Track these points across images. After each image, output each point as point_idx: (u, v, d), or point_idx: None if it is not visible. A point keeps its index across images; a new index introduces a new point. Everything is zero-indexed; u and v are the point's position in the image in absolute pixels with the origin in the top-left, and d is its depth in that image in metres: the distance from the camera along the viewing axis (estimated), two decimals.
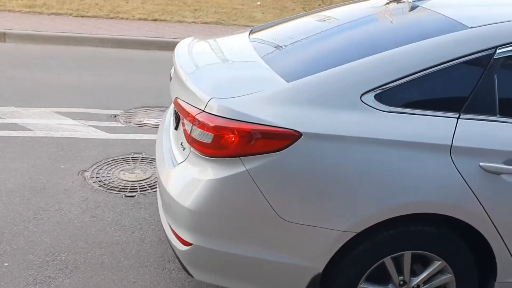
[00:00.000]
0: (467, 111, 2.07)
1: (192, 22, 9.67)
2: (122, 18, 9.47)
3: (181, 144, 2.32)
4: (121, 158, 4.07)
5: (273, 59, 2.42)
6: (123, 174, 3.82)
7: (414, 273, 2.23)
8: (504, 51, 2.09)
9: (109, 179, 3.73)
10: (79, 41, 7.94)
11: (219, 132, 1.99)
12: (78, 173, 3.78)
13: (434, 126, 2.04)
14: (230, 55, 2.66)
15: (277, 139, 1.96)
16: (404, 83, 2.05)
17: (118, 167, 3.93)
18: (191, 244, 2.14)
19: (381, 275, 2.20)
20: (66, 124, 4.65)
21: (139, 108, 5.22)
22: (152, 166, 3.97)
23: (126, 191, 3.58)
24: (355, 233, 2.04)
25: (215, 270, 2.19)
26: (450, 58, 2.07)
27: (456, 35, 2.13)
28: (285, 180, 1.99)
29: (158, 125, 4.75)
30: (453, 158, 2.02)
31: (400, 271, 2.20)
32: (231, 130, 1.97)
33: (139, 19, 9.51)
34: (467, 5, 2.59)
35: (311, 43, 2.60)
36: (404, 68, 2.06)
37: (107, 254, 2.89)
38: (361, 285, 2.18)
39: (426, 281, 2.24)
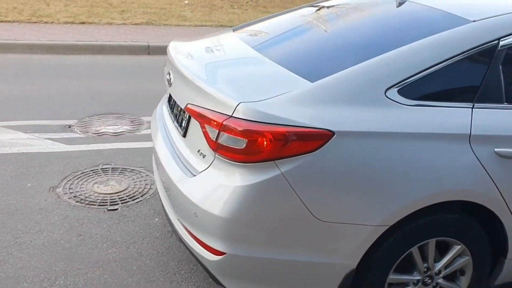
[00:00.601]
0: (479, 101, 2.18)
1: (122, 24, 9.34)
2: (46, 22, 8.93)
3: (198, 151, 2.23)
4: (91, 171, 3.85)
5: (281, 58, 2.40)
6: (98, 187, 3.62)
7: (436, 259, 2.32)
8: (507, 42, 2.22)
9: (84, 193, 3.52)
10: (5, 48, 7.39)
11: (252, 137, 1.95)
12: (49, 190, 3.53)
13: (453, 116, 2.13)
14: (234, 57, 2.61)
15: (311, 140, 1.96)
16: (422, 77, 2.12)
17: (90, 180, 3.72)
18: (223, 254, 2.07)
19: (407, 265, 2.26)
20: (19, 138, 4.32)
21: (92, 116, 4.97)
22: (126, 176, 3.80)
23: (107, 205, 3.40)
24: (388, 227, 2.08)
25: (249, 277, 2.14)
26: (460, 52, 2.17)
27: (462, 29, 2.23)
28: (319, 180, 1.99)
29: (119, 133, 4.60)
30: (472, 146, 2.12)
31: (424, 259, 2.27)
32: (265, 134, 1.94)
33: (65, 22, 9.02)
34: (458, 1, 2.71)
35: (317, 40, 2.62)
36: (420, 62, 2.13)
37: (107, 273, 2.73)
38: (390, 277, 2.23)
39: (447, 265, 2.33)
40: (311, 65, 2.30)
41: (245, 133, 1.96)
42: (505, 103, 2.22)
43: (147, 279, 2.71)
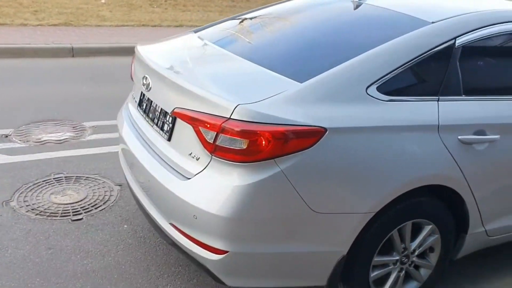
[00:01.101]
0: (442, 94, 2.42)
1: (38, 25, 8.86)
2: None
3: (190, 154, 2.27)
4: (43, 181, 3.69)
5: (260, 59, 2.49)
6: (55, 197, 3.49)
7: (411, 240, 2.54)
8: (462, 41, 2.48)
9: (43, 205, 3.38)
10: None
11: (253, 137, 2.03)
12: (2, 205, 3.35)
13: (423, 109, 2.35)
14: (213, 59, 2.66)
15: (307, 137, 2.08)
16: (395, 75, 2.31)
17: (45, 191, 3.57)
18: (226, 252, 2.14)
19: (387, 247, 2.46)
20: None
21: (29, 124, 4.73)
22: (82, 185, 3.69)
23: (70, 215, 3.30)
24: (374, 213, 2.26)
25: (251, 273, 2.22)
26: (424, 51, 2.39)
27: (424, 30, 2.45)
28: (314, 174, 2.12)
29: (62, 141, 4.43)
30: (440, 135, 2.36)
31: (402, 240, 2.48)
32: (265, 134, 2.02)
33: None
34: (410, 3, 2.94)
35: (290, 41, 2.74)
36: (392, 62, 2.32)
37: (89, 284, 2.67)
38: (374, 259, 2.42)
39: (420, 245, 2.56)
40: (294, 66, 2.42)
41: (246, 134, 2.03)
42: (463, 95, 2.48)
43: (132, 286, 2.69)
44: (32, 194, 3.51)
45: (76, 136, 4.55)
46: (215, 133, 2.09)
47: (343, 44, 2.56)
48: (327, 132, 2.10)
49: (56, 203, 3.42)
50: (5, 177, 3.71)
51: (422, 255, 2.62)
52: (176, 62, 2.61)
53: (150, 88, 2.56)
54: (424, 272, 2.65)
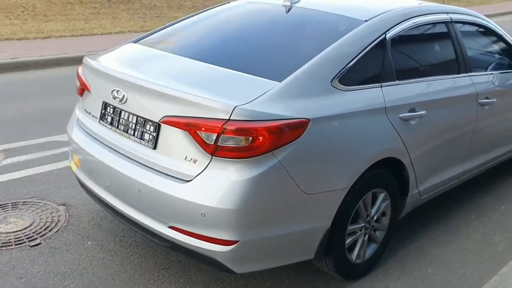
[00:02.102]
0: (383, 81, 2.87)
1: None
2: None
3: (185, 158, 2.40)
4: None
5: (224, 62, 2.71)
6: (0, 226, 3.30)
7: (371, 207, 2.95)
8: (390, 34, 2.95)
9: None
10: None
11: (254, 134, 2.25)
12: None
13: (373, 95, 2.77)
14: (181, 67, 2.78)
15: (296, 129, 2.36)
16: (349, 68, 2.69)
17: None
18: (236, 242, 2.33)
19: (354, 216, 2.84)
20: None
21: None
22: (23, 210, 3.53)
23: (25, 242, 3.16)
24: (348, 188, 2.62)
25: (257, 257, 2.45)
26: (364, 46, 2.81)
27: (361, 28, 2.87)
28: (304, 160, 2.41)
29: None
30: (388, 116, 2.80)
31: (365, 209, 2.89)
32: (264, 129, 2.26)
33: None
34: (334, 4, 3.34)
35: (242, 43, 2.98)
36: (344, 57, 2.70)
37: None
38: (348, 228, 2.78)
39: (377, 210, 2.99)
40: (264, 68, 2.66)
41: (246, 132, 2.25)
42: (397, 80, 2.96)
43: None
44: None
45: None
46: (216, 134, 2.27)
47: (297, 45, 2.88)
48: (310, 123, 2.40)
49: (3, 233, 3.24)
50: None
51: (377, 220, 3.05)
52: (150, 73, 2.70)
53: (126, 100, 2.61)
54: (380, 234, 3.09)
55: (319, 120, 2.44)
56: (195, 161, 2.38)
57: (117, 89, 2.65)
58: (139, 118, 2.60)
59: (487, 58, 4.02)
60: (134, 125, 2.63)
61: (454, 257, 3.26)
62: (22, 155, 4.45)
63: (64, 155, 4.50)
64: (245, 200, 2.28)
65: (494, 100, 3.69)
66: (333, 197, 2.57)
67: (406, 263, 3.15)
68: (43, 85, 7.12)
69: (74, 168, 3.13)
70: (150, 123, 2.54)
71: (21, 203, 3.63)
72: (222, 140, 2.27)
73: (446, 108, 3.26)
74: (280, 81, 2.47)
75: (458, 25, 3.55)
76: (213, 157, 2.32)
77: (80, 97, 3.12)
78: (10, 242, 3.16)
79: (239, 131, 2.25)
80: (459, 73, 3.45)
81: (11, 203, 3.62)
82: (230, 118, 2.25)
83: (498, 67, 3.98)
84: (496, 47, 4.12)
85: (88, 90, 2.93)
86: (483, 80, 3.67)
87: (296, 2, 3.30)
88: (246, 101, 2.31)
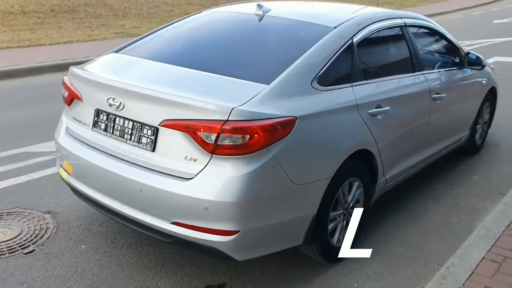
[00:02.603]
0: (353, 81, 3.19)
1: None
2: None
3: (185, 158, 2.60)
4: None
5: (211, 68, 2.95)
6: None
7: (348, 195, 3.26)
8: (357, 39, 3.28)
9: None
10: None
11: (249, 132, 2.49)
12: None
13: (346, 94, 3.08)
14: (171, 74, 2.97)
15: (286, 126, 2.62)
16: (324, 70, 2.98)
17: None
18: (237, 232, 2.56)
19: (334, 204, 3.13)
20: None
21: None
22: (8, 221, 3.58)
23: (18, 250, 3.24)
24: (330, 178, 2.91)
25: (255, 245, 2.68)
26: (335, 50, 3.12)
27: (331, 34, 3.18)
28: (293, 154, 2.68)
29: None
30: (359, 112, 3.12)
31: (343, 196, 3.19)
32: (259, 128, 2.50)
33: None
34: (314, 11, 3.64)
35: (225, 51, 3.21)
36: (320, 60, 3.00)
37: None
38: (330, 215, 3.07)
39: (352, 198, 3.29)
40: (250, 72, 2.90)
41: (244, 131, 2.48)
42: (364, 80, 3.29)
43: None
44: None
45: None
46: (216, 134, 2.49)
47: (277, 50, 3.15)
48: (297, 120, 2.67)
49: None
50: None
51: (353, 206, 3.36)
52: (144, 80, 2.86)
53: (123, 107, 2.78)
54: None
55: (304, 118, 2.72)
56: (195, 160, 2.59)
57: (113, 96, 2.80)
58: (135, 123, 2.78)
59: (436, 57, 4.46)
60: (130, 130, 2.80)
61: (419, 237, 3.62)
62: None
63: (38, 165, 4.55)
64: (245, 193, 2.51)
65: (444, 95, 4.12)
66: (318, 186, 2.85)
67: (378, 245, 3.48)
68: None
69: (64, 175, 3.24)
70: (148, 127, 2.73)
71: (5, 213, 3.68)
72: (221, 139, 2.50)
73: (405, 103, 3.63)
74: (268, 84, 2.73)
75: (411, 29, 3.95)
76: (213, 155, 2.54)
77: (67, 106, 3.23)
78: (3, 251, 3.22)
79: (237, 130, 2.48)
80: (414, 72, 3.84)
81: None
82: (228, 119, 2.48)
83: (445, 65, 4.42)
84: (442, 47, 4.57)
85: (79, 99, 3.06)
86: (433, 77, 4.09)
87: (267, 12, 3.57)
88: (241, 102, 2.55)
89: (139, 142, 2.77)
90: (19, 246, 3.28)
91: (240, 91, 2.71)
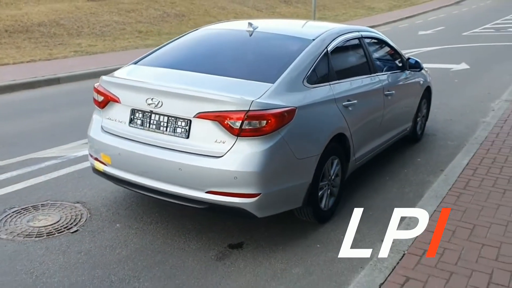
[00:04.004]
0: (330, 80, 4.11)
1: None
2: None
3: (215, 141, 3.40)
4: (4, 216, 4.05)
5: (224, 73, 3.77)
6: (33, 223, 3.97)
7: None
8: (330, 47, 4.22)
9: (31, 230, 3.84)
10: None
11: (267, 118, 3.34)
12: None
13: (326, 90, 4.00)
14: (194, 78, 3.76)
15: (290, 114, 3.49)
16: (310, 72, 3.89)
17: (18, 221, 3.97)
18: (259, 194, 3.39)
19: (322, 176, 4.01)
20: None
21: None
22: (45, 211, 4.19)
23: (64, 231, 3.87)
24: (320, 154, 3.80)
25: (271, 205, 3.52)
26: (316, 57, 4.03)
27: (311, 45, 4.09)
28: (295, 135, 3.55)
29: None
30: (337, 105, 4.05)
31: (328, 170, 4.08)
32: (273, 115, 3.35)
33: None
34: (293, 28, 4.54)
35: (230, 59, 4.05)
36: (306, 65, 3.90)
37: (147, 253, 3.49)
38: (320, 184, 3.95)
39: (334, 172, 4.20)
40: (257, 75, 3.75)
41: (261, 118, 3.32)
42: (337, 80, 4.22)
43: (176, 248, 3.61)
44: (9, 226, 3.89)
45: None
46: (240, 121, 3.31)
47: (273, 58, 4.03)
48: (297, 110, 3.54)
49: (39, 226, 3.91)
50: None
51: (334, 179, 4.26)
52: (176, 84, 3.62)
53: (161, 105, 3.53)
54: (335, 190, 4.30)
55: (300, 108, 3.60)
56: (224, 142, 3.39)
57: (152, 97, 3.56)
58: (170, 118, 3.54)
59: (385, 62, 5.49)
60: (166, 123, 3.57)
61: (383, 204, 4.57)
62: (12, 171, 5.00)
63: (48, 168, 5.13)
64: (264, 164, 3.35)
65: (393, 92, 5.14)
66: (312, 160, 3.73)
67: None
68: None
69: (101, 167, 3.93)
70: (181, 120, 3.50)
71: (39, 205, 4.28)
72: (244, 125, 3.32)
73: (367, 98, 4.60)
74: (273, 83, 3.59)
75: (366, 40, 4.96)
76: (238, 137, 3.36)
77: (100, 108, 3.93)
78: (52, 232, 3.85)
79: (256, 117, 3.32)
80: (371, 74, 4.84)
81: (31, 206, 4.26)
82: (250, 109, 3.32)
83: (392, 68, 5.47)
84: (389, 53, 5.63)
85: (116, 101, 3.78)
86: (385, 78, 5.10)
87: (256, 28, 4.44)
88: (257, 96, 3.40)
89: (174, 132, 3.54)
90: (64, 228, 3.92)
91: (253, 88, 3.55)
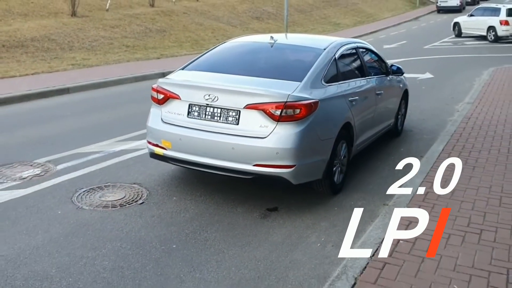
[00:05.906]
0: (338, 81, 5.24)
1: None
2: None
3: (260, 126, 4.44)
4: (80, 193, 4.96)
5: (258, 74, 4.84)
6: (105, 198, 4.87)
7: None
8: (337, 55, 5.35)
9: (106, 203, 4.75)
10: None
11: (299, 107, 4.41)
12: (78, 211, 4.59)
13: (337, 88, 5.12)
14: (237, 78, 4.80)
15: (316, 105, 4.58)
16: (325, 74, 5.00)
17: (92, 197, 4.88)
18: (294, 166, 4.44)
19: (334, 155, 5.10)
20: None
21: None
22: (110, 190, 5.10)
23: (133, 203, 4.80)
24: (335, 137, 4.90)
25: (303, 174, 4.58)
26: (327, 62, 5.15)
27: (324, 53, 5.21)
28: (319, 121, 4.64)
29: (36, 175, 5.59)
30: (345, 99, 5.17)
31: (339, 151, 5.17)
32: (304, 105, 4.43)
33: None
34: (305, 40, 5.66)
35: (261, 64, 5.14)
36: (322, 68, 5.01)
37: (209, 212, 4.47)
38: (334, 161, 5.04)
39: (343, 153, 5.29)
40: (286, 75, 4.82)
41: (296, 107, 4.40)
42: (343, 80, 5.34)
43: (233, 215, 4.60)
44: (87, 200, 4.80)
45: (46, 170, 5.63)
46: (280, 110, 4.38)
47: (296, 63, 5.13)
48: (319, 102, 4.64)
49: (111, 200, 4.83)
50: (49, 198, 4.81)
51: (342, 159, 5.35)
52: (227, 83, 4.66)
53: (217, 99, 4.55)
54: (344, 169, 5.40)
55: (321, 101, 4.69)
56: (267, 127, 4.45)
57: (209, 93, 4.58)
58: (223, 109, 4.57)
59: (374, 68, 6.67)
60: (219, 114, 4.59)
61: (379, 180, 5.69)
62: (62, 163, 5.88)
63: (95, 160, 6.02)
64: (298, 143, 4.42)
65: (382, 92, 6.32)
66: (330, 142, 4.83)
67: (356, 186, 5.49)
68: None
69: (160, 152, 4.89)
70: (232, 111, 4.53)
71: (103, 186, 5.19)
72: (283, 113, 4.38)
73: (364, 95, 5.74)
74: (300, 82, 4.68)
75: (360, 49, 6.13)
76: (278, 123, 4.41)
77: (160, 104, 4.91)
78: (123, 204, 4.78)
79: (292, 107, 4.39)
80: (365, 77, 5.99)
81: (97, 186, 5.17)
82: (287, 100, 4.39)
83: (379, 72, 6.65)
84: (376, 61, 6.82)
85: (176, 98, 4.78)
86: (375, 80, 6.27)
87: (276, 40, 5.53)
88: (291, 91, 4.48)
89: (226, 120, 4.56)
90: (132, 201, 4.85)
91: (286, 85, 4.62)
